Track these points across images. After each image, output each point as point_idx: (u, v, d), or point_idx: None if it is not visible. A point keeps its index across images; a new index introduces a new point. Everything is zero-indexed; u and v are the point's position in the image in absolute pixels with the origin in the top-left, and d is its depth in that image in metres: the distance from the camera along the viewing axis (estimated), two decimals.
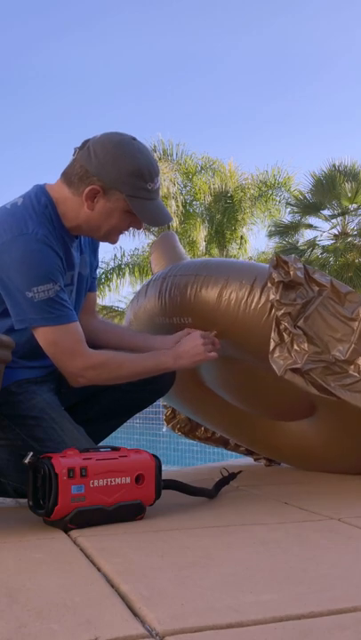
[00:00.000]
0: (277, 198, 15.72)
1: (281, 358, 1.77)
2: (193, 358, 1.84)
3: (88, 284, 1.93)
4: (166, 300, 2.03)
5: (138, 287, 18.03)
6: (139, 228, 1.87)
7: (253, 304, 1.83)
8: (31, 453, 1.47)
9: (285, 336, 1.77)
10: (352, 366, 1.76)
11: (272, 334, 1.78)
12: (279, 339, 1.78)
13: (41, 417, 1.72)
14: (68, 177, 1.74)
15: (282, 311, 1.77)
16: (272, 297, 1.78)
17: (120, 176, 1.68)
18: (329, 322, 1.78)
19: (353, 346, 1.76)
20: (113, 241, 1.86)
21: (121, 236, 1.85)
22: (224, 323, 1.89)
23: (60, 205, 1.74)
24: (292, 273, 1.79)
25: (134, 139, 1.75)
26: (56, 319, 1.66)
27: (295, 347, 1.76)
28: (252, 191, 15.79)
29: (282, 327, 1.77)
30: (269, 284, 1.80)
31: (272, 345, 1.78)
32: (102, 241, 1.87)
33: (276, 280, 1.78)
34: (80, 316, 1.91)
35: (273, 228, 12.82)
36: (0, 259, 1.64)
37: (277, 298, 1.77)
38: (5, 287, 1.66)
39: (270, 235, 12.68)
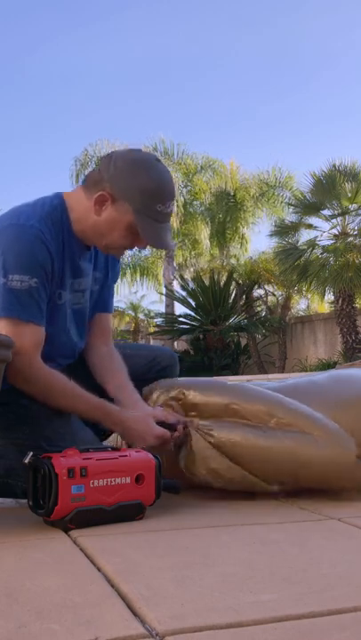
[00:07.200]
0: (279, 198, 15.74)
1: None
2: (136, 443, 1.75)
3: (94, 298, 1.92)
4: None
5: (138, 287, 18.06)
6: (142, 248, 1.86)
7: None
8: (31, 453, 1.47)
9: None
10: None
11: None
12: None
13: (51, 417, 1.72)
14: (86, 181, 1.77)
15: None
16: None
17: (131, 189, 1.68)
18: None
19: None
20: (115, 254, 1.87)
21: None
22: None
23: (73, 211, 1.75)
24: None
25: (158, 160, 1.77)
26: (17, 312, 1.64)
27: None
28: (253, 190, 15.80)
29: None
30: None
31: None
32: (105, 252, 1.86)
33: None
34: (90, 336, 1.91)
35: (275, 228, 12.79)
36: None
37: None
38: None
39: (271, 235, 12.66)
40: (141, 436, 1.73)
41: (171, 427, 1.78)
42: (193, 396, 1.86)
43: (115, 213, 1.71)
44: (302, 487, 1.80)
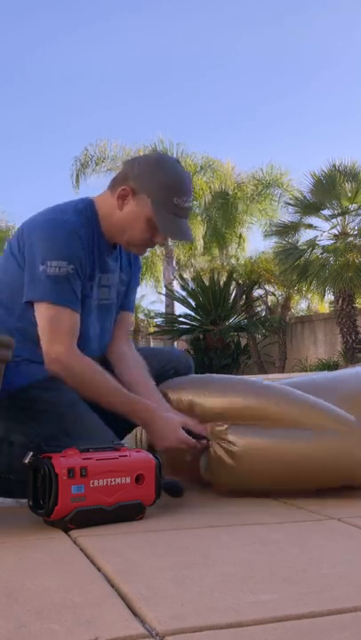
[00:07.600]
0: (273, 196, 15.73)
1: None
2: (158, 442, 1.78)
3: (120, 299, 1.97)
4: None
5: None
6: (161, 244, 1.92)
7: None
8: (31, 453, 1.47)
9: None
10: None
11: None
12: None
13: (68, 412, 1.74)
14: (112, 181, 1.86)
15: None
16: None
17: (151, 183, 1.77)
18: None
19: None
20: (137, 251, 1.93)
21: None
22: None
23: (101, 209, 1.83)
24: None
25: (178, 161, 1.89)
26: (55, 297, 1.70)
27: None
28: (249, 189, 15.79)
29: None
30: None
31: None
32: (127, 249, 1.91)
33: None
34: (113, 334, 1.95)
35: (272, 228, 12.78)
36: (30, 236, 1.75)
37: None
38: (27, 264, 1.73)
39: (267, 235, 12.67)
40: (165, 436, 1.76)
41: (196, 436, 1.78)
42: (211, 398, 1.83)
43: (135, 207, 1.79)
44: (329, 487, 1.79)
